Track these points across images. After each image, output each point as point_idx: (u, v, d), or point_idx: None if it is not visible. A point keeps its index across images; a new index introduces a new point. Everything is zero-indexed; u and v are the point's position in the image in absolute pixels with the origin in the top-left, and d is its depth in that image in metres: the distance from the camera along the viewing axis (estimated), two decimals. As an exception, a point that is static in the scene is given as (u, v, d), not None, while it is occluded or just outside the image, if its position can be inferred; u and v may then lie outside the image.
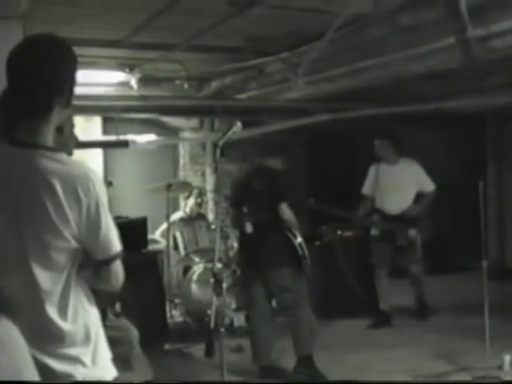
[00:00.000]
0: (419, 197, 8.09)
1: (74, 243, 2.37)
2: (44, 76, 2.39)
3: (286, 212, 6.09)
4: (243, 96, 9.29)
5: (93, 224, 2.37)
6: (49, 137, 2.41)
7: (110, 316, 4.36)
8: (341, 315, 8.13)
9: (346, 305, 8.21)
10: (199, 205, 9.24)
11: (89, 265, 2.46)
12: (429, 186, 8.08)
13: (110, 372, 2.58)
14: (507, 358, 6.05)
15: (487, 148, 11.21)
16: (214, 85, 9.48)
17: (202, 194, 9.41)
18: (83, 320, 2.45)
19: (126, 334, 4.49)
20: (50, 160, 2.34)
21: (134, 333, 4.63)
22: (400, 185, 7.96)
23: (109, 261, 2.46)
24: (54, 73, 2.41)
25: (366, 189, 8.20)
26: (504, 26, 5.35)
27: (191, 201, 9.15)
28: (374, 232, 8.07)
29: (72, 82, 2.47)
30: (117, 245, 2.48)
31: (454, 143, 11.21)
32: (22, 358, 2.19)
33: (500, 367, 6.04)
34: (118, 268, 2.51)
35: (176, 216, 9.16)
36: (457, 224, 10.81)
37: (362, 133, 11.15)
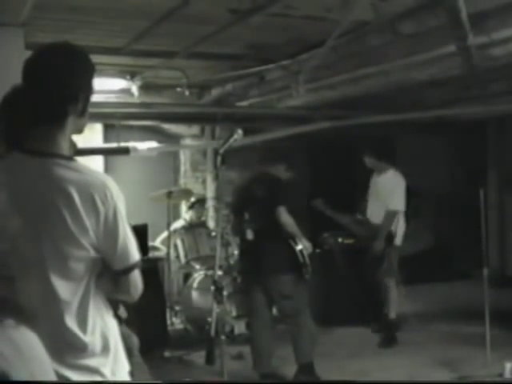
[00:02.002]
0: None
1: (92, 252, 2.34)
2: (58, 85, 2.37)
3: (284, 216, 6.08)
4: (244, 103, 9.29)
5: (111, 233, 2.35)
6: (64, 145, 2.39)
7: None
8: (341, 323, 8.13)
9: (346, 312, 8.20)
10: (199, 217, 9.30)
11: (107, 275, 2.43)
12: (393, 204, 7.72)
13: None
14: (508, 365, 6.04)
15: (488, 155, 11.21)
16: (215, 92, 9.49)
17: (203, 205, 9.45)
18: (102, 331, 2.42)
19: (125, 342, 4.47)
20: (66, 169, 2.31)
21: (134, 340, 4.61)
22: (379, 195, 7.87)
23: (127, 270, 2.43)
24: (69, 81, 2.38)
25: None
26: (505, 33, 5.35)
27: (191, 213, 9.18)
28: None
29: (88, 90, 2.44)
30: (135, 254, 2.45)
31: (454, 151, 11.22)
32: (41, 368, 2.17)
33: (501, 375, 6.03)
34: (136, 278, 2.47)
35: (177, 224, 9.17)
36: (457, 231, 10.82)
37: (363, 140, 11.16)
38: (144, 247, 7.35)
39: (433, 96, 8.71)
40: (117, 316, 4.36)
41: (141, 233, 7.23)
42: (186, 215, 9.35)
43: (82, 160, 3.90)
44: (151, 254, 8.19)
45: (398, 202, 7.74)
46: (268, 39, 7.06)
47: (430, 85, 7.50)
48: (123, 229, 2.39)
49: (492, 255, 10.65)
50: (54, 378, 2.26)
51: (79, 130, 2.51)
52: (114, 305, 4.27)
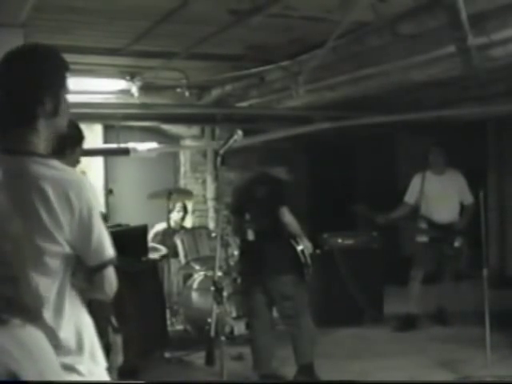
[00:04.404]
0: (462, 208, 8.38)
1: (67, 248, 2.36)
2: (21, 86, 2.39)
3: (287, 216, 6.10)
4: (244, 104, 9.30)
5: (85, 229, 2.37)
6: (39, 146, 2.40)
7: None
8: (341, 323, 8.13)
9: (346, 313, 8.20)
10: (182, 218, 9.28)
11: (82, 272, 2.44)
12: (469, 198, 8.27)
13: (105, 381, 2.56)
14: None
15: (488, 157, 11.21)
16: (215, 93, 9.48)
17: (185, 207, 9.41)
18: (76, 327, 2.43)
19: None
20: (42, 166, 2.34)
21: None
22: (447, 195, 8.23)
23: (101, 267, 2.44)
24: (31, 83, 2.39)
25: (409, 197, 8.40)
26: (504, 34, 5.35)
27: (175, 214, 9.11)
28: (420, 238, 8.29)
29: (56, 89, 2.44)
30: (109, 251, 2.47)
31: (454, 152, 11.22)
32: (50, 367, 2.16)
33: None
34: (111, 275, 2.48)
35: (160, 227, 9.09)
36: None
37: (362, 141, 11.17)
38: (144, 248, 7.35)
39: (432, 97, 8.72)
40: (111, 325, 4.35)
41: (141, 233, 7.23)
42: (170, 220, 9.11)
43: (81, 160, 3.88)
44: (151, 255, 8.18)
45: (471, 196, 8.24)
46: (268, 40, 7.06)
47: (429, 85, 7.50)
48: (97, 226, 2.40)
49: (492, 256, 10.65)
50: (62, 377, 2.26)
51: (57, 130, 2.50)
52: (107, 314, 4.26)
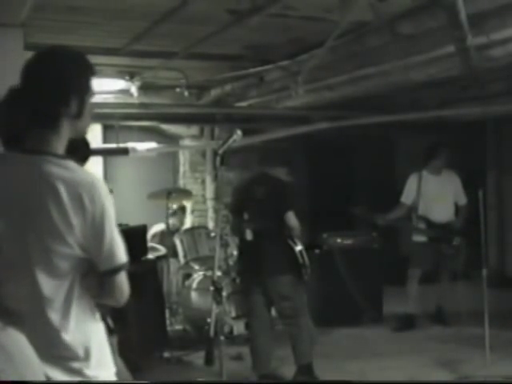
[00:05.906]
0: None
1: (78, 251, 2.33)
2: (47, 87, 2.38)
3: (293, 220, 6.09)
4: (243, 104, 9.29)
5: (97, 232, 2.34)
6: (59, 147, 2.40)
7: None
8: (340, 323, 8.12)
9: (345, 313, 8.20)
10: (181, 222, 9.28)
11: (93, 276, 2.41)
12: (462, 199, 8.34)
13: None
14: None
15: (487, 156, 11.21)
16: (214, 93, 9.49)
17: (184, 212, 9.40)
18: (84, 334, 2.41)
19: None
20: (57, 166, 2.33)
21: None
22: (444, 195, 8.27)
23: (112, 272, 2.42)
24: (57, 83, 2.39)
25: (406, 198, 8.37)
26: (503, 34, 5.36)
27: (174, 219, 9.07)
28: (419, 238, 8.28)
29: (82, 92, 2.44)
30: (121, 256, 2.44)
31: (453, 151, 11.22)
32: (30, 370, 2.15)
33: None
34: (122, 281, 2.46)
35: (157, 228, 9.08)
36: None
37: (362, 141, 11.16)
38: (143, 248, 7.36)
39: (432, 96, 8.72)
40: (107, 326, 4.34)
41: (140, 233, 7.22)
42: (168, 220, 9.06)
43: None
44: (150, 255, 8.17)
45: (465, 197, 8.34)
46: (267, 40, 7.07)
47: (428, 85, 7.50)
48: (110, 230, 2.37)
49: (491, 256, 10.65)
50: (43, 379, 2.24)
51: (80, 132, 2.51)
52: (103, 314, 4.25)
